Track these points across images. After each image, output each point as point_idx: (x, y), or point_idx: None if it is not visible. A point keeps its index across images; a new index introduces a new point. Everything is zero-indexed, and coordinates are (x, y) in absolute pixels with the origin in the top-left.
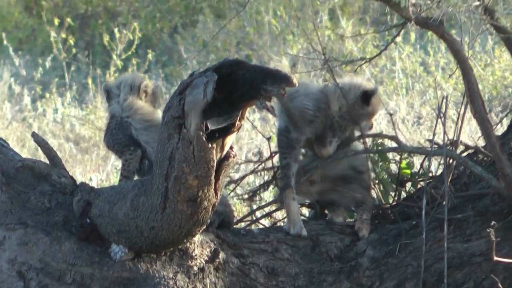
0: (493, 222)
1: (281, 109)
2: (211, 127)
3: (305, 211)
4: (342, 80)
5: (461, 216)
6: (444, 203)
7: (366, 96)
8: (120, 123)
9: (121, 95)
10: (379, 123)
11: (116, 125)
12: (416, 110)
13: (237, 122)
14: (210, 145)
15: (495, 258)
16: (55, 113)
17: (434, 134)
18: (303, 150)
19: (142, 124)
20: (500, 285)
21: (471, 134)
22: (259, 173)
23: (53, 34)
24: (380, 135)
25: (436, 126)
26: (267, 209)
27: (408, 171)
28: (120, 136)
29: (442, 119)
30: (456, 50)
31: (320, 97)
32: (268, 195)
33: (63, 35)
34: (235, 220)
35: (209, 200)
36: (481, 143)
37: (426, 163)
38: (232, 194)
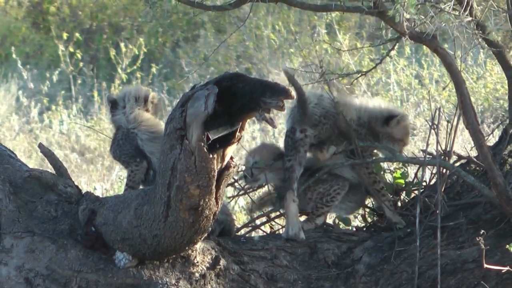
0: (482, 231)
1: (293, 105)
2: (212, 138)
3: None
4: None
5: (454, 224)
6: (437, 211)
7: (388, 118)
8: (126, 134)
9: (126, 107)
10: None
11: (122, 136)
12: (410, 121)
13: (237, 133)
14: (211, 156)
15: (486, 265)
16: (61, 125)
17: (427, 145)
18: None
19: (148, 135)
20: None
21: (463, 145)
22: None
23: (61, 47)
24: (374, 145)
25: (429, 136)
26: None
27: (402, 180)
28: (127, 147)
29: (436, 130)
30: (449, 64)
31: (330, 105)
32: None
33: (71, 49)
34: (235, 228)
35: (210, 209)
36: (474, 153)
37: (420, 173)
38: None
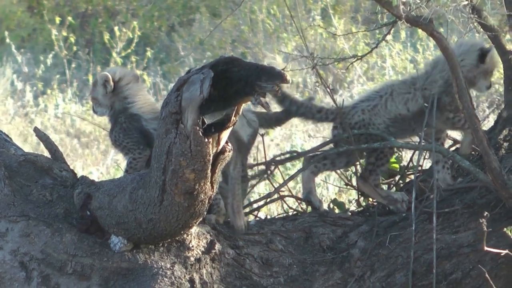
0: (485, 213)
1: None
2: (207, 122)
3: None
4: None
5: (449, 209)
6: (432, 196)
7: (482, 54)
8: (130, 117)
9: (124, 89)
10: None
11: (126, 119)
12: None
13: (233, 118)
14: (206, 140)
15: (485, 248)
16: (56, 109)
17: (423, 129)
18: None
19: (152, 114)
20: (487, 275)
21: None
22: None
23: (54, 32)
24: (368, 131)
25: (425, 121)
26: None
27: (396, 165)
28: (133, 132)
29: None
30: (444, 47)
31: None
32: (264, 188)
33: (64, 33)
34: None
35: (206, 193)
36: None
37: (415, 157)
38: None
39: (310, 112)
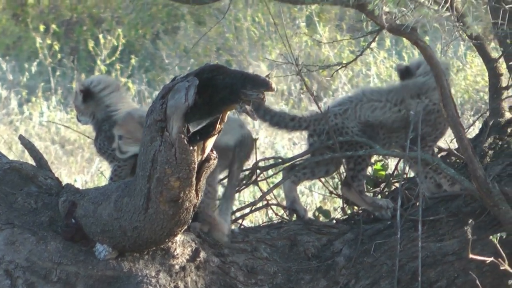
0: (470, 220)
1: None
2: (192, 130)
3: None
4: None
5: (435, 217)
6: (418, 204)
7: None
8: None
9: (105, 99)
10: None
11: (110, 128)
12: None
13: (218, 125)
14: (191, 148)
15: (471, 255)
16: (41, 117)
17: (408, 137)
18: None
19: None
20: (478, 282)
21: (444, 137)
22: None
23: (39, 40)
24: (355, 139)
25: (410, 129)
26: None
27: (383, 172)
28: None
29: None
30: (429, 56)
31: None
32: (248, 195)
33: (49, 41)
34: None
35: (191, 201)
36: (454, 145)
37: (400, 165)
38: None
39: (283, 121)
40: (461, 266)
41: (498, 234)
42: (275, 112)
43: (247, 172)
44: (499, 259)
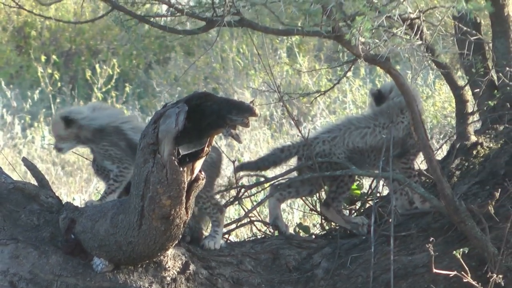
0: (431, 238)
1: None
2: (182, 152)
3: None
4: None
5: (406, 232)
6: (390, 220)
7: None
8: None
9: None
10: None
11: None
12: None
13: (206, 148)
14: (181, 169)
15: (434, 270)
16: (42, 140)
17: (381, 159)
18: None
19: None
20: None
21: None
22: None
23: (40, 69)
24: (332, 160)
25: (383, 151)
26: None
27: (358, 191)
28: (120, 145)
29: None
30: (401, 84)
31: None
32: (234, 212)
33: (49, 71)
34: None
35: (181, 218)
36: (424, 166)
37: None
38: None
39: (277, 157)
40: (431, 277)
41: (461, 250)
42: (267, 156)
43: (232, 191)
44: (462, 272)
